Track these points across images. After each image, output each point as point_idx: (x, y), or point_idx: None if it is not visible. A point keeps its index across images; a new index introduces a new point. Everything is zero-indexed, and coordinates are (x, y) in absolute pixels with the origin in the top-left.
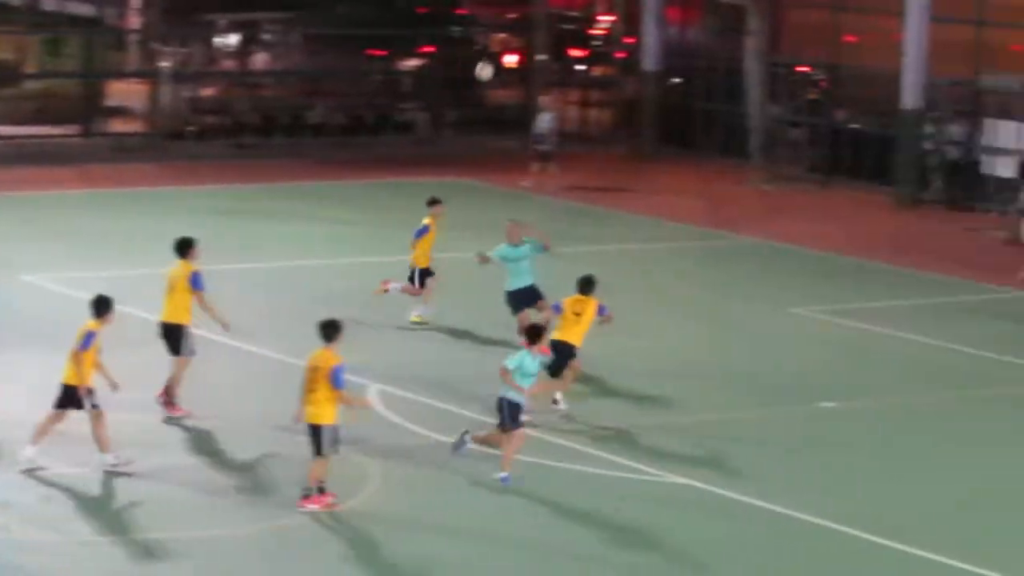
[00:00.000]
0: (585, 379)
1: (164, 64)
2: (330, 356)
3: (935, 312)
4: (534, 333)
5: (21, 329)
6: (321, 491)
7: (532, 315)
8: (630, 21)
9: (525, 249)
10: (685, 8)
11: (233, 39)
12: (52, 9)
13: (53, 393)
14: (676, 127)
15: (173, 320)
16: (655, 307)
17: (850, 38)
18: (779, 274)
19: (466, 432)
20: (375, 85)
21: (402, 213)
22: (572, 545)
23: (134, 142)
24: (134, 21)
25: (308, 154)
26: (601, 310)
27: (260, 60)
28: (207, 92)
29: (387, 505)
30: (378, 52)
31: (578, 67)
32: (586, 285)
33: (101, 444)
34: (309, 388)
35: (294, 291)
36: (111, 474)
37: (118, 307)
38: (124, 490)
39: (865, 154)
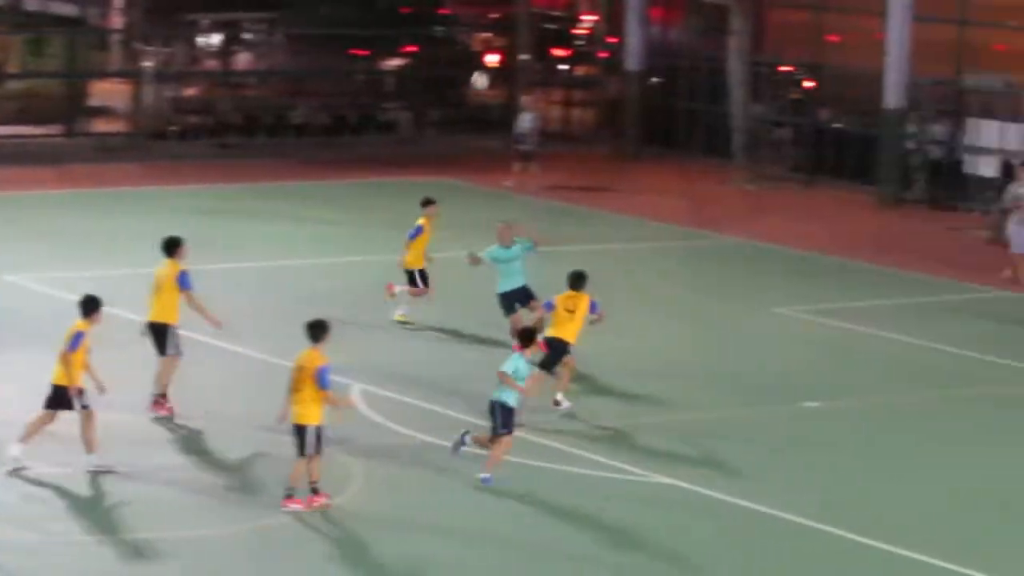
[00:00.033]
0: (572, 378)
1: (147, 64)
2: (316, 356)
3: (918, 311)
4: (527, 337)
5: (4, 329)
6: (315, 491)
7: (525, 315)
8: (613, 21)
9: (516, 250)
10: (668, 8)
11: (216, 39)
12: (35, 9)
13: (39, 393)
14: (659, 127)
15: (160, 319)
16: (638, 307)
17: (833, 38)
18: (762, 274)
19: (466, 432)
20: (358, 85)
21: (385, 213)
22: (558, 544)
23: (117, 142)
24: (117, 21)
25: (291, 154)
26: (593, 307)
27: (243, 60)
28: (190, 92)
29: (371, 505)
30: (361, 52)
31: (561, 67)
32: (577, 280)
33: (88, 444)
34: (295, 388)
35: (277, 291)
36: (95, 474)
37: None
38: (108, 490)
39: (848, 154)
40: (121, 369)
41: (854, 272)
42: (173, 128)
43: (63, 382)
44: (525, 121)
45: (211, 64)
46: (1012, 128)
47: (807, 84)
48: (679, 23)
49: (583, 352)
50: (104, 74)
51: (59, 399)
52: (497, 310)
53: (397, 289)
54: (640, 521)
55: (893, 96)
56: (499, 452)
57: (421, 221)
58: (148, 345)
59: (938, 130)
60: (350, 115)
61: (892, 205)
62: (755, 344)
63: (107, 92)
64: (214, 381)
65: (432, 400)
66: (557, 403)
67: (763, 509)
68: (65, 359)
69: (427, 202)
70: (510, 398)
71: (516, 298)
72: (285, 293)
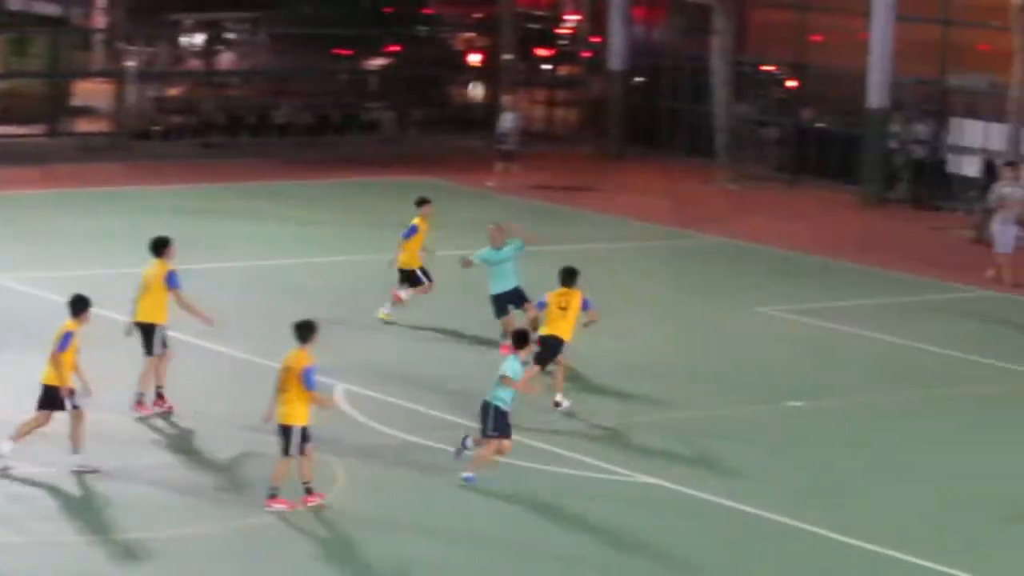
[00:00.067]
0: (566, 377)
1: (130, 64)
2: (303, 357)
3: (901, 311)
4: (520, 339)
5: None
6: (309, 491)
7: (519, 316)
8: (596, 20)
9: (507, 251)
10: (651, 8)
11: (199, 39)
12: (18, 9)
13: (24, 392)
14: (642, 126)
15: (148, 319)
16: (621, 306)
17: (816, 38)
18: (745, 273)
19: (467, 436)
20: (341, 84)
21: (368, 212)
22: (544, 544)
23: (100, 142)
24: (100, 21)
25: (274, 153)
26: (585, 304)
27: (226, 60)
28: (173, 92)
29: (354, 505)
30: (344, 51)
31: (544, 66)
32: (569, 276)
33: (74, 444)
34: (282, 388)
35: (261, 291)
36: (80, 474)
37: None
38: (93, 490)
39: (831, 153)
40: (107, 369)
41: (837, 272)
42: (156, 128)
43: (54, 382)
44: (507, 120)
45: (194, 64)
46: (995, 128)
47: (790, 83)
48: (662, 23)
49: (571, 351)
50: (87, 74)
51: (51, 399)
52: (482, 309)
53: (404, 295)
54: (625, 521)
55: (876, 96)
56: (487, 453)
57: (416, 221)
58: (133, 344)
59: (921, 130)
60: (333, 115)
61: (875, 205)
62: (738, 344)
63: (90, 92)
64: (198, 381)
65: (415, 399)
66: (557, 404)
67: (748, 509)
68: (55, 359)
69: (422, 202)
70: (504, 401)
71: (509, 300)
72: (268, 293)
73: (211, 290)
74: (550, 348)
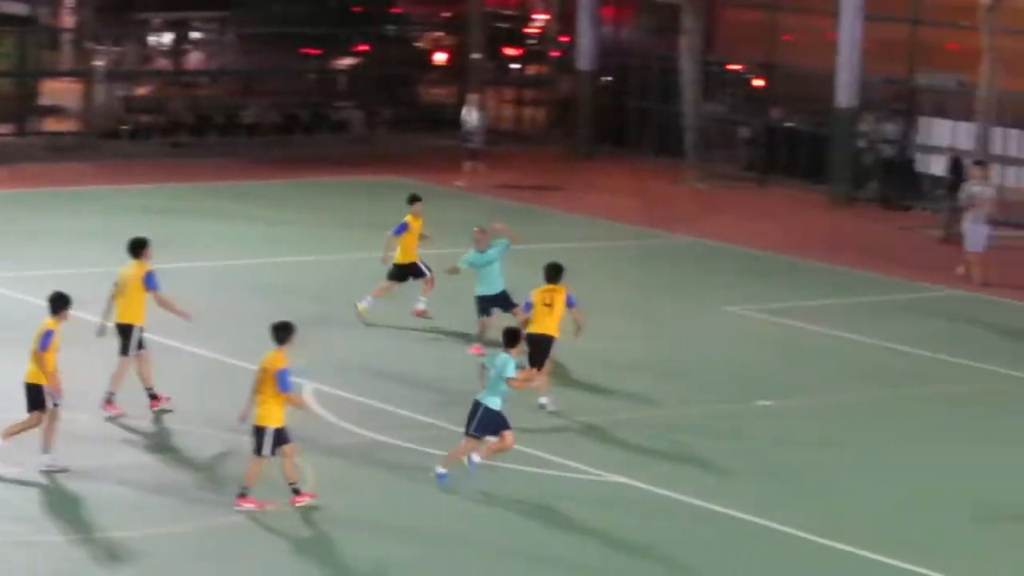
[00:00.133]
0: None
1: (98, 63)
2: (279, 358)
3: (870, 310)
4: (512, 337)
5: None
6: (296, 491)
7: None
8: (565, 20)
9: (492, 253)
10: (620, 7)
11: (167, 38)
12: None
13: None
14: (611, 126)
15: (126, 320)
16: (590, 306)
17: (785, 37)
18: (714, 272)
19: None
20: (309, 84)
21: (337, 212)
22: (516, 545)
23: (68, 141)
24: (68, 20)
25: (243, 153)
26: (570, 300)
27: (194, 59)
28: (141, 91)
29: (324, 504)
30: (312, 51)
31: (513, 66)
32: (554, 273)
33: (46, 443)
34: (258, 389)
35: (230, 290)
36: (50, 473)
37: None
38: (66, 490)
39: (800, 153)
40: (80, 369)
41: (806, 271)
42: (124, 127)
43: (38, 380)
44: (472, 119)
45: (162, 63)
46: (964, 127)
47: (756, 83)
48: (631, 22)
49: None
50: (55, 73)
51: (33, 398)
52: (456, 308)
53: (422, 306)
54: (596, 521)
55: (845, 95)
56: (459, 451)
57: (408, 218)
58: (105, 344)
59: (890, 129)
60: (302, 114)
61: (844, 204)
62: (707, 343)
63: (58, 91)
64: (168, 380)
65: (385, 399)
66: (543, 406)
67: (718, 509)
68: (38, 358)
69: (413, 199)
70: (494, 402)
71: (495, 303)
72: (237, 292)
73: (181, 290)
74: (541, 347)
